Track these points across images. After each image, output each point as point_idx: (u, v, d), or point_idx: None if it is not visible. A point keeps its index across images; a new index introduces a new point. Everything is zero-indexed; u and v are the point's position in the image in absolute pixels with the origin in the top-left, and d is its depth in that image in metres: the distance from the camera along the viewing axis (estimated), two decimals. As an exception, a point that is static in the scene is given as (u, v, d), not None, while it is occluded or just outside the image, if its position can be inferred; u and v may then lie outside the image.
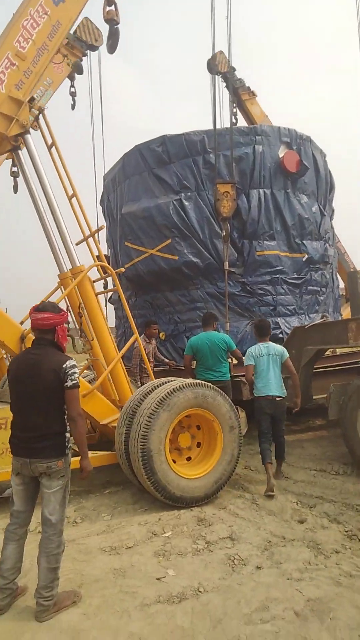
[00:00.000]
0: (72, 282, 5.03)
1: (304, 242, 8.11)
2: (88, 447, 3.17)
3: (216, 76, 10.63)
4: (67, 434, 3.03)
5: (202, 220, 7.68)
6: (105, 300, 9.36)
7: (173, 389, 4.37)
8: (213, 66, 9.95)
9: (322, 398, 7.00)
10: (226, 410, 4.62)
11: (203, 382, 4.61)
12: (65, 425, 3.01)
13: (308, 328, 6.13)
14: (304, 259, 8.03)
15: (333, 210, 9.16)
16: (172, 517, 4.19)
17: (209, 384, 4.66)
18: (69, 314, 4.39)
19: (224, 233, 6.91)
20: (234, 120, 10.39)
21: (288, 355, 5.32)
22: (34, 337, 3.10)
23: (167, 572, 3.30)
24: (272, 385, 5.08)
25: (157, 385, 4.64)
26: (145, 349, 6.93)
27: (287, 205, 7.97)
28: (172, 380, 4.73)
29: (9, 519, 3.03)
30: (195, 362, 6.35)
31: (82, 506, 4.62)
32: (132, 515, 4.30)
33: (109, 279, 6.51)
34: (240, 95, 11.63)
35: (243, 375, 6.22)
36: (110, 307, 9.71)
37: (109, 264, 10.55)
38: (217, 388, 4.68)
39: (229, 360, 6.48)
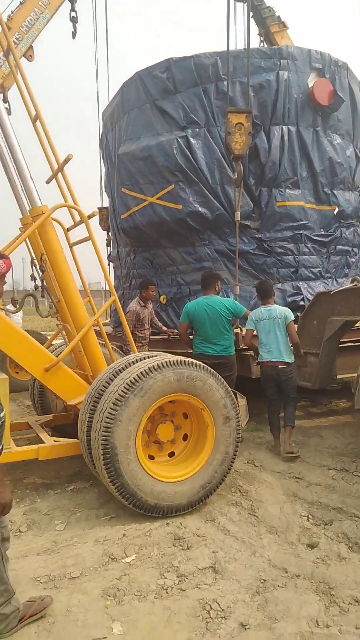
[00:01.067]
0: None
1: (335, 192, 6.77)
2: (62, 428, 2.28)
3: (239, 3, 9.09)
4: None
5: (212, 162, 6.43)
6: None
7: (149, 369, 3.32)
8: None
9: (349, 377, 5.94)
10: (220, 397, 3.56)
11: (190, 360, 3.53)
12: None
13: (334, 294, 4.94)
14: (335, 212, 6.72)
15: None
16: (141, 533, 3.22)
17: (199, 362, 3.58)
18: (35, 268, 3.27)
19: (236, 175, 5.66)
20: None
21: (293, 318, 4.85)
22: None
23: (111, 628, 2.34)
24: (274, 351, 4.74)
25: (133, 362, 3.60)
26: (140, 314, 5.90)
27: (315, 146, 6.60)
28: (154, 356, 3.69)
29: None
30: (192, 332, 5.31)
31: (35, 508, 3.70)
32: (91, 527, 3.35)
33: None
34: (268, 26, 10.05)
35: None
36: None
37: (107, 216, 9.46)
38: (209, 367, 3.61)
39: (238, 329, 5.39)
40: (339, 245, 6.89)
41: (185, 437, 3.78)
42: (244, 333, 5.27)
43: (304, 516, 3.52)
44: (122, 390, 3.24)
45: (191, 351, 5.25)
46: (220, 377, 3.61)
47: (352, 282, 4.91)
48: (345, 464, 4.51)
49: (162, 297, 7.03)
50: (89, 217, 4.22)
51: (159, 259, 7.17)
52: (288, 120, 6.44)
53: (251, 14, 9.13)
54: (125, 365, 3.58)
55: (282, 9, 11.70)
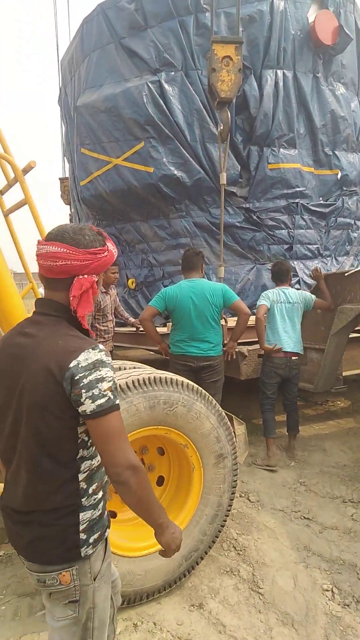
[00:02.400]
0: None
1: (337, 152, 5.68)
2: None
3: None
4: (85, 513, 1.38)
5: (191, 113, 5.23)
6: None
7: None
8: None
9: (355, 374, 5.02)
10: (211, 428, 2.48)
11: (169, 376, 2.42)
12: (79, 493, 1.36)
13: (349, 276, 3.90)
14: (338, 177, 5.64)
15: (375, 114, 6.61)
16: None
17: (181, 379, 2.47)
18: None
19: (222, 127, 4.49)
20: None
21: (314, 298, 4.21)
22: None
23: None
24: (289, 339, 4.10)
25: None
26: (100, 302, 4.74)
27: (315, 96, 5.47)
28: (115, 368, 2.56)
29: None
30: (167, 324, 4.23)
31: None
32: (19, 636, 2.25)
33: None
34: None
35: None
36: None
37: (68, 189, 8.16)
38: (196, 386, 2.51)
39: (223, 320, 4.29)
40: (340, 217, 5.83)
41: (160, 481, 2.71)
42: (229, 325, 4.22)
43: (327, 590, 2.52)
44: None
45: (156, 348, 4.18)
46: (211, 398, 2.53)
47: (371, 261, 3.86)
48: (365, 492, 3.55)
49: (130, 281, 5.87)
50: (25, 171, 3.01)
51: (126, 234, 5.98)
52: (283, 63, 5.26)
53: None
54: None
55: None
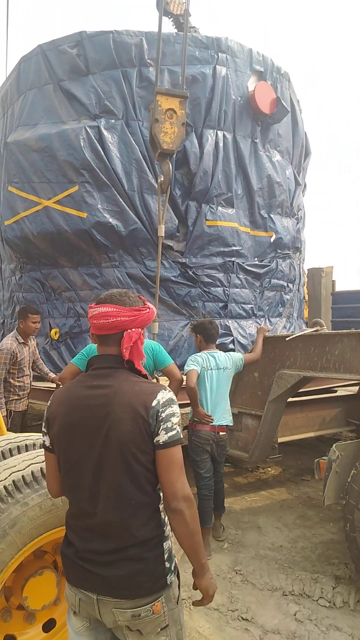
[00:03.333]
0: None
1: (272, 216, 5.76)
2: None
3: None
4: (167, 542, 1.49)
5: (130, 163, 5.05)
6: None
7: (14, 482, 1.70)
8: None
9: (290, 440, 4.80)
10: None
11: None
12: (161, 523, 1.48)
13: (289, 341, 3.73)
14: (271, 240, 5.67)
15: (306, 185, 6.91)
16: None
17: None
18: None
19: (162, 178, 4.33)
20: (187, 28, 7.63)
21: (243, 357, 3.85)
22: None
23: None
24: (217, 410, 3.65)
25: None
26: (17, 354, 4.19)
27: (253, 159, 5.57)
28: (27, 444, 2.08)
29: None
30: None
31: None
32: None
33: None
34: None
35: (187, 404, 3.74)
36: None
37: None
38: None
39: (154, 381, 3.88)
40: (273, 279, 5.84)
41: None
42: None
43: None
44: None
45: None
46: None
47: (312, 325, 3.73)
48: (305, 583, 3.19)
49: (53, 331, 5.35)
50: None
51: (52, 280, 5.51)
52: (224, 124, 5.33)
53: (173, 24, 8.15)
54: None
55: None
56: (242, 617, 2.84)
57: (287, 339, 3.72)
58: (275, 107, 5.51)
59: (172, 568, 1.49)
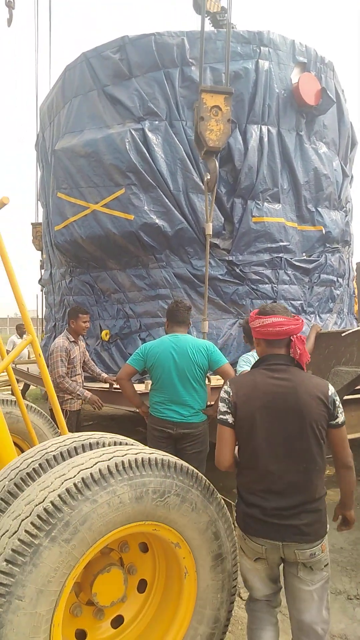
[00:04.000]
0: None
1: (320, 209, 5.62)
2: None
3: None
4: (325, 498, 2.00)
5: (175, 163, 5.07)
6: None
7: (82, 481, 1.74)
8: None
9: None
10: (209, 521, 2.02)
11: (162, 455, 1.98)
12: (324, 484, 1.97)
13: (345, 336, 3.63)
14: (322, 233, 5.53)
15: (353, 176, 6.71)
16: None
17: (174, 459, 2.03)
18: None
19: (209, 176, 4.31)
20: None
21: None
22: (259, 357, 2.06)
23: None
24: None
25: (54, 457, 2.01)
26: (70, 352, 4.29)
27: (299, 153, 5.46)
28: (93, 442, 2.13)
29: (251, 604, 2.08)
30: (146, 382, 3.81)
31: None
32: None
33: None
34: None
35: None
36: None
37: (41, 234, 7.81)
38: (192, 469, 2.07)
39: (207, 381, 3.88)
40: (323, 274, 5.70)
41: (142, 586, 2.19)
42: (212, 384, 3.81)
43: None
44: (26, 531, 1.62)
45: (137, 410, 3.70)
46: (209, 484, 2.08)
47: (369, 321, 3.61)
48: (344, 583, 3.09)
49: (104, 333, 5.45)
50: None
51: (101, 283, 5.62)
52: (268, 119, 5.25)
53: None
54: (39, 466, 1.97)
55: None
56: (306, 620, 2.77)
57: (342, 334, 3.61)
58: (321, 98, 5.38)
59: (327, 520, 1.95)
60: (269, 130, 5.24)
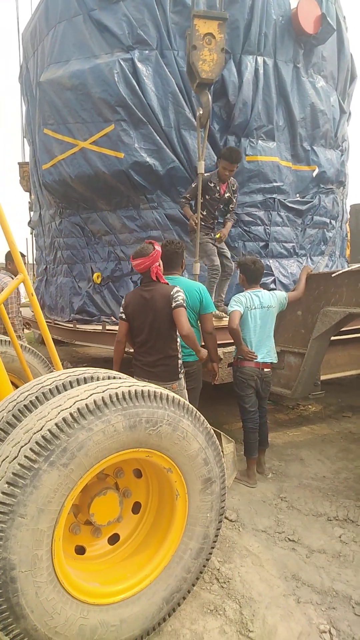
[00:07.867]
0: None
1: (315, 148, 5.48)
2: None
3: None
4: (180, 360, 3.17)
5: (166, 96, 4.86)
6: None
7: (78, 411, 1.81)
8: None
9: (332, 378, 4.84)
10: (198, 448, 2.14)
11: (153, 388, 2.06)
12: (176, 349, 3.14)
13: (335, 277, 3.66)
14: (314, 174, 5.43)
15: (351, 113, 6.48)
16: None
17: (165, 391, 2.11)
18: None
19: (200, 111, 4.15)
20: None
21: (287, 296, 3.88)
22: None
23: None
24: (262, 348, 3.70)
25: (50, 390, 2.08)
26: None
27: (295, 87, 5.24)
28: (88, 376, 2.19)
29: None
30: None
31: None
32: None
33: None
34: None
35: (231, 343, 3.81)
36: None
37: (29, 174, 7.55)
38: (182, 399, 2.16)
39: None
40: (316, 216, 5.64)
41: (137, 508, 2.34)
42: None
43: (325, 632, 2.24)
44: (25, 456, 1.71)
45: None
46: (199, 414, 2.18)
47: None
48: (349, 510, 3.31)
49: (95, 275, 5.44)
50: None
51: (92, 224, 5.53)
52: (264, 49, 4.99)
53: None
54: (36, 398, 2.05)
55: None
56: (288, 539, 3.00)
57: (333, 275, 3.65)
58: (320, 25, 5.08)
59: (182, 372, 3.17)
60: (264, 62, 4.99)
